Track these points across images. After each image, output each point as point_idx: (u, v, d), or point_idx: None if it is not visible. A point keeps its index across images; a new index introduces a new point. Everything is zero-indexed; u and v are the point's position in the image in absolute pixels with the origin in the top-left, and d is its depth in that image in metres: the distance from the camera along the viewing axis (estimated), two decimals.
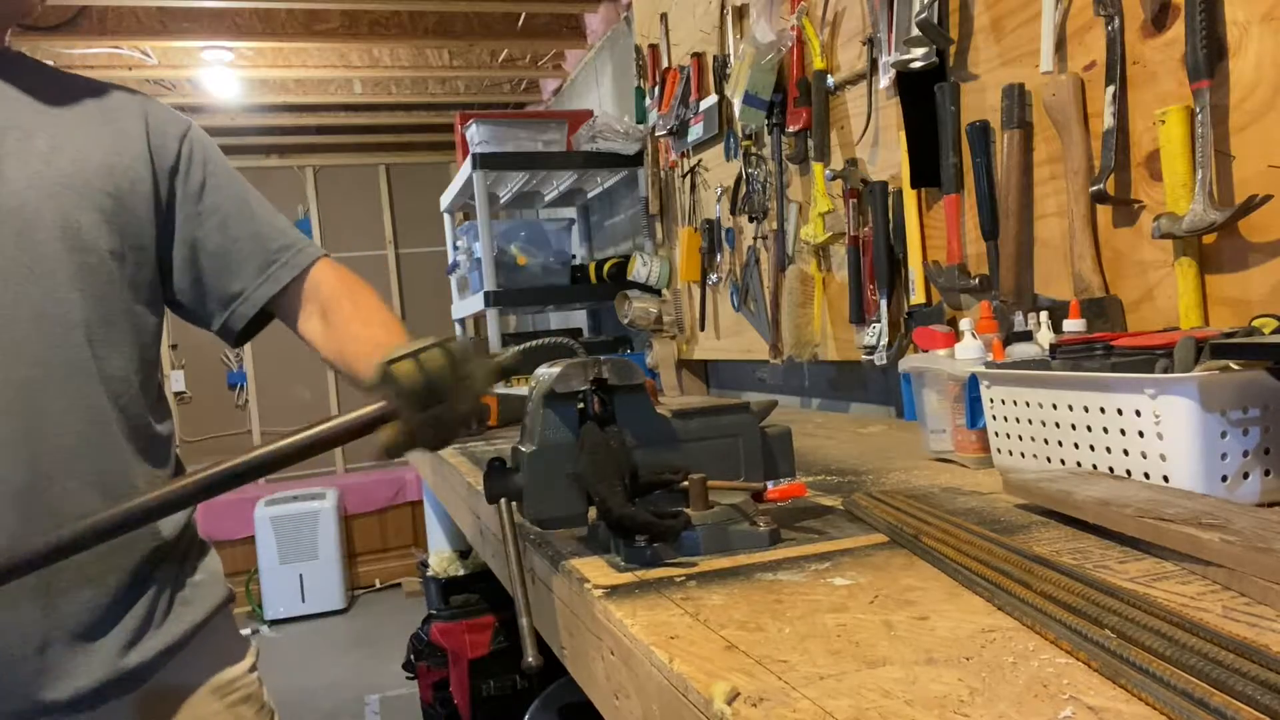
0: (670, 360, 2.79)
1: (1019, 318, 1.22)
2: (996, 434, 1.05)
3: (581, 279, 3.36)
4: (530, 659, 0.67)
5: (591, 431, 0.81)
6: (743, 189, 2.22)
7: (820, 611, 0.63)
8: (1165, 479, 0.81)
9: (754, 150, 2.17)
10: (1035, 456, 0.98)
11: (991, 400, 1.05)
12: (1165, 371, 0.83)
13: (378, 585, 5.48)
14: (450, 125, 4.00)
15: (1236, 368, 0.79)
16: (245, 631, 1.31)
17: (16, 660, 0.91)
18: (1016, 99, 1.33)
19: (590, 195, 3.75)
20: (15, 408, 0.91)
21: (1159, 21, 1.11)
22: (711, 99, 2.37)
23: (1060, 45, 1.26)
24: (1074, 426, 0.92)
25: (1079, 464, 0.92)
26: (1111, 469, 0.88)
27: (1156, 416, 0.81)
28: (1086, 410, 0.89)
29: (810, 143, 1.91)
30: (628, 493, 0.77)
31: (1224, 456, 0.79)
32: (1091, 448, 0.90)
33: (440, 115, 4.82)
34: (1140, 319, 1.18)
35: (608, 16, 3.66)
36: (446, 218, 3.92)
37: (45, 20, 3.22)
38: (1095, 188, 1.17)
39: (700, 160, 2.51)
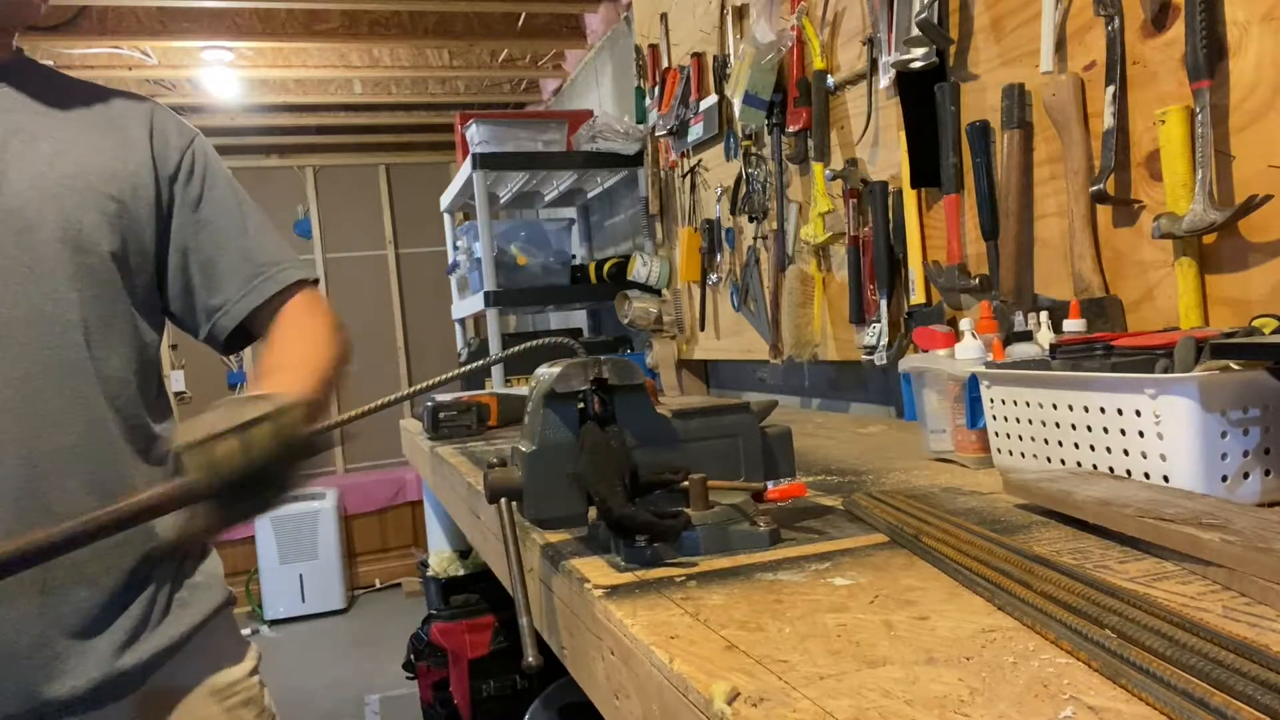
0: (670, 360, 2.79)
1: (1019, 318, 1.22)
2: (996, 434, 1.05)
3: (581, 279, 3.36)
4: (530, 659, 0.67)
5: (591, 431, 0.81)
6: (743, 189, 2.22)
7: (820, 611, 0.63)
8: (1165, 479, 0.81)
9: (754, 150, 2.17)
10: (1035, 456, 0.98)
11: (991, 400, 1.05)
12: (1165, 371, 0.83)
13: (378, 585, 5.49)
14: (450, 125, 4.00)
15: (1236, 368, 0.79)
16: (245, 631, 1.31)
17: (12, 658, 0.91)
18: (1016, 99, 1.33)
19: (590, 195, 3.75)
20: (13, 406, 0.91)
21: (1159, 21, 1.11)
22: (711, 99, 2.37)
23: (1060, 45, 1.26)
24: (1074, 426, 0.92)
25: (1079, 464, 0.92)
26: (1111, 469, 0.88)
27: (1156, 416, 0.81)
28: (1086, 410, 0.89)
29: (810, 143, 1.91)
30: (628, 493, 0.77)
31: (1224, 456, 0.79)
32: (1091, 448, 0.90)
33: (440, 115, 4.82)
34: (1140, 319, 1.18)
35: (608, 16, 3.66)
36: (446, 218, 3.92)
37: (45, 20, 3.22)
38: (1095, 188, 1.17)
39: (700, 160, 2.51)
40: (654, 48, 2.77)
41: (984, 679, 0.49)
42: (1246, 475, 0.80)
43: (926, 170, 1.52)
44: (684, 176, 2.61)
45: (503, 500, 0.81)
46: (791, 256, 2.03)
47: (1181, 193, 1.06)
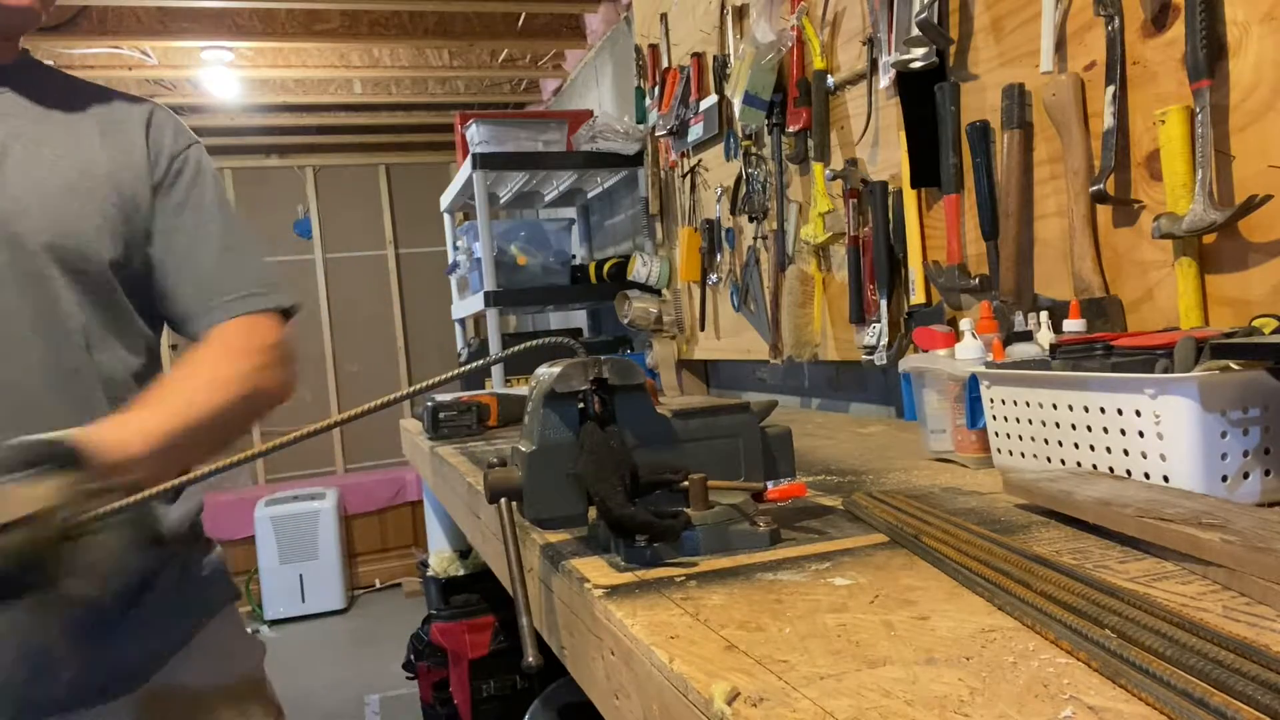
0: (670, 360, 2.79)
1: (1019, 318, 1.22)
2: (996, 434, 1.05)
3: (581, 279, 3.36)
4: (530, 659, 0.67)
5: (591, 431, 0.81)
6: (743, 189, 2.22)
7: (820, 611, 0.63)
8: (1165, 479, 0.81)
9: (754, 150, 2.17)
10: (1035, 456, 0.98)
11: (991, 400, 1.05)
12: (1165, 371, 0.83)
13: (378, 585, 5.49)
14: (450, 125, 4.00)
15: (1236, 368, 0.79)
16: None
17: (11, 654, 0.91)
18: (1016, 99, 1.33)
19: (590, 195, 3.75)
20: (14, 410, 0.91)
21: (1159, 21, 1.11)
22: (711, 99, 2.37)
23: (1060, 45, 1.26)
24: (1074, 426, 0.92)
25: (1079, 464, 0.92)
26: (1111, 469, 0.88)
27: (1156, 416, 0.81)
28: (1086, 410, 0.89)
29: (810, 143, 1.91)
30: (628, 493, 0.77)
31: (1224, 456, 0.79)
32: (1091, 448, 0.90)
33: (440, 115, 4.82)
34: (1140, 319, 1.18)
35: (608, 16, 3.66)
36: (446, 218, 3.92)
37: (45, 20, 3.22)
38: (1095, 188, 1.17)
39: (700, 160, 2.51)
40: (654, 48, 2.77)
41: (984, 679, 0.49)
42: (1246, 475, 0.80)
43: (926, 170, 1.52)
44: (684, 176, 2.61)
45: (503, 500, 0.81)
46: (791, 256, 2.03)
47: (1181, 193, 1.06)
